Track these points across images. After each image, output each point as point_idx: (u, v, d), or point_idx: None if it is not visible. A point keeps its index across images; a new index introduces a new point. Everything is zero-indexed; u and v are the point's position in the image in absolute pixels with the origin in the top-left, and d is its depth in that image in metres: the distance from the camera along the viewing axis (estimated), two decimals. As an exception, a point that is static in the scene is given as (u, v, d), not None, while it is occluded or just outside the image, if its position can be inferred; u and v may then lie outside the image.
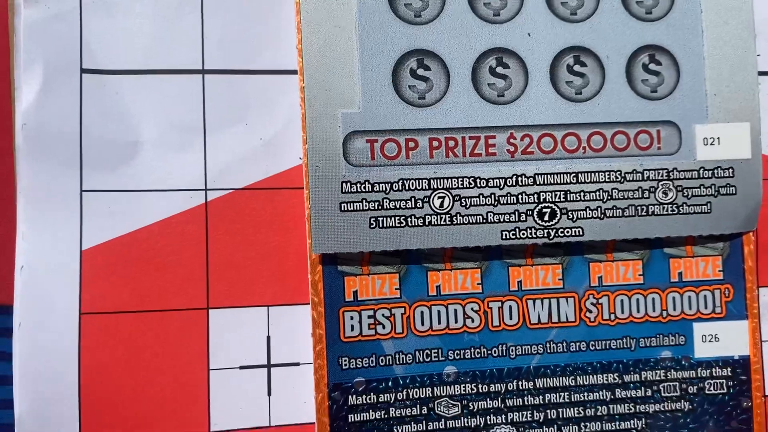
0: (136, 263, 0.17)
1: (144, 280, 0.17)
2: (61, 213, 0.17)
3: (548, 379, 0.19)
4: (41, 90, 0.17)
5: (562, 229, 0.18)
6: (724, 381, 0.19)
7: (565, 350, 0.19)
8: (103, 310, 0.17)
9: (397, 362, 0.18)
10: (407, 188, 0.18)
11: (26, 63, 0.17)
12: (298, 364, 0.18)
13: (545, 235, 0.18)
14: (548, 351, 0.19)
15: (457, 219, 0.18)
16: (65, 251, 0.17)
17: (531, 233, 0.18)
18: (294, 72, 0.18)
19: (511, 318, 0.19)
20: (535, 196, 0.18)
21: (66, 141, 0.17)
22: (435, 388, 0.18)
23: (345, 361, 0.18)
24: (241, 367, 0.18)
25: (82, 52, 0.17)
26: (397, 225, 0.18)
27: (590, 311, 0.19)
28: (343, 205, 0.18)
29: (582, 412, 0.19)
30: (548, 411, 0.18)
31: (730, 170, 0.19)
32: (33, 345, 0.17)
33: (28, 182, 0.17)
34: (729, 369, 0.19)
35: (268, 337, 0.18)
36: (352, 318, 0.18)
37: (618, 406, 0.19)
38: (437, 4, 0.18)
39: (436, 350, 0.18)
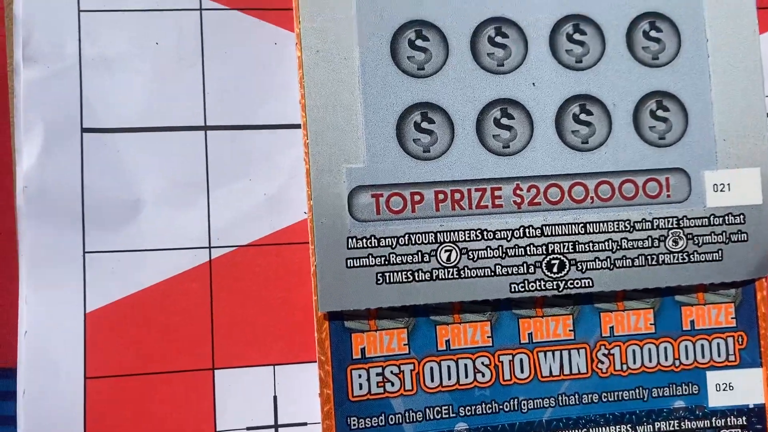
0: (141, 325, 0.17)
1: (149, 342, 0.17)
2: (65, 275, 0.17)
3: (560, 433, 0.18)
4: (42, 151, 0.17)
5: (571, 281, 0.18)
6: (739, 430, 0.19)
7: (578, 402, 0.18)
8: (109, 374, 0.17)
9: (407, 420, 0.18)
10: (414, 242, 0.18)
11: (26, 124, 0.17)
12: (305, 424, 0.17)
13: (554, 287, 0.18)
14: (560, 404, 0.18)
15: (464, 272, 0.18)
16: (69, 314, 0.17)
17: (540, 285, 0.18)
18: (297, 126, 0.18)
19: (522, 371, 0.18)
20: (543, 247, 0.18)
21: (68, 202, 0.17)
22: (446, 446, 0.18)
23: (354, 420, 0.17)
24: (248, 429, 0.17)
25: (83, 110, 0.17)
26: (404, 280, 0.18)
27: (602, 362, 0.18)
28: (349, 261, 0.17)
29: (596, 465, 0.18)
30: (561, 465, 0.18)
31: (741, 216, 0.19)
32: (38, 411, 0.16)
33: (30, 244, 0.17)
34: (744, 418, 0.19)
35: (275, 397, 0.17)
36: (360, 376, 0.17)
37: (632, 458, 0.18)
38: (440, 57, 0.18)
39: (446, 407, 0.18)
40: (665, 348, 0.19)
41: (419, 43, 0.18)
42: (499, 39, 0.18)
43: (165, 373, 0.17)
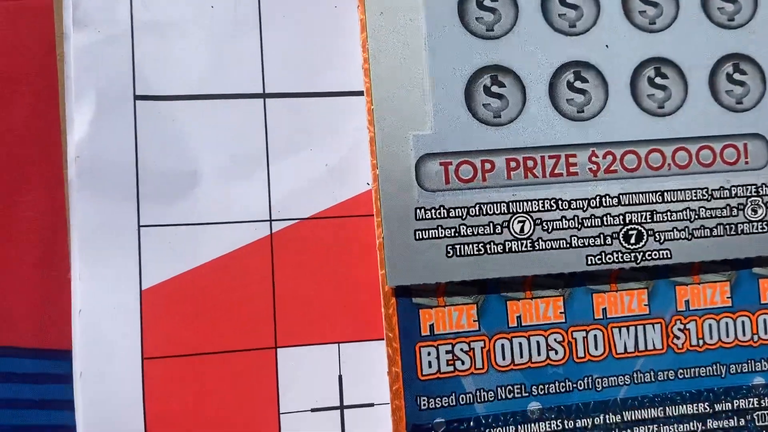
0: (199, 302, 0.16)
1: (208, 320, 0.16)
2: (119, 250, 0.16)
3: (636, 411, 0.17)
4: (94, 119, 0.16)
5: (649, 252, 0.17)
6: (820, 407, 0.18)
7: (653, 380, 0.17)
8: (167, 354, 0.16)
9: (478, 400, 0.17)
10: (485, 213, 0.17)
11: (78, 92, 0.16)
12: (372, 405, 0.17)
13: (632, 258, 0.17)
14: (635, 381, 0.17)
15: (539, 244, 0.17)
16: (125, 292, 0.16)
17: (617, 257, 0.17)
18: (360, 93, 0.17)
19: (596, 348, 0.17)
20: (621, 217, 0.17)
21: (121, 173, 0.16)
22: (519, 427, 0.17)
23: (423, 401, 0.16)
24: (313, 410, 0.16)
25: (135, 77, 0.16)
26: (475, 253, 0.17)
27: (678, 338, 0.18)
28: (417, 233, 0.16)
29: (673, 446, 0.17)
30: (638, 446, 0.17)
31: (822, 183, 0.18)
32: (96, 394, 0.15)
33: (82, 218, 0.16)
34: (827, 395, 0.18)
35: (340, 377, 0.17)
36: (429, 354, 0.17)
37: (711, 438, 0.17)
38: (510, 17, 0.17)
39: (518, 386, 0.17)
40: (743, 322, 0.18)
41: (488, 2, 0.17)
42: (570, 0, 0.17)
43: (225, 352, 0.16)
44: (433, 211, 0.17)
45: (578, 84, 0.17)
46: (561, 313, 0.17)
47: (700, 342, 0.18)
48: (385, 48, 0.17)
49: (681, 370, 0.18)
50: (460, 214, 0.17)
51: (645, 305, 0.18)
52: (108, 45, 0.16)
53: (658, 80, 0.17)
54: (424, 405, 0.17)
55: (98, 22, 0.16)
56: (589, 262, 0.17)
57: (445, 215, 0.17)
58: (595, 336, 0.17)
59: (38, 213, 0.16)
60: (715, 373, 0.18)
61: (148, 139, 0.16)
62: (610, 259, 0.17)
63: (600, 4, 0.17)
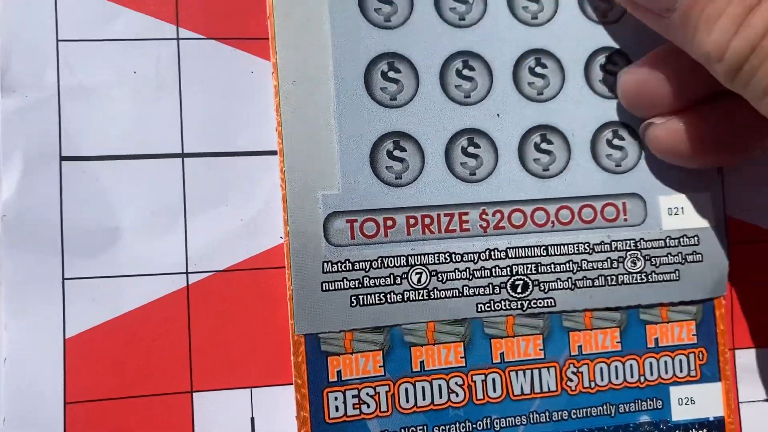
0: (120, 349, 0.22)
1: (128, 366, 0.22)
2: (44, 302, 0.22)
3: (532, 450, 0.24)
4: (21, 179, 0.23)
5: (534, 300, 0.24)
6: (702, 444, 0.25)
7: (548, 420, 0.25)
8: (89, 398, 0.22)
9: (382, 440, 0.23)
10: (386, 266, 0.24)
11: (5, 153, 0.23)
12: (283, 445, 0.23)
13: (519, 306, 0.24)
14: (532, 422, 0.24)
15: (434, 294, 0.24)
16: (49, 340, 0.22)
17: (505, 305, 0.24)
18: (274, 152, 0.24)
19: (494, 390, 0.24)
20: (508, 269, 0.24)
21: (47, 229, 0.23)
22: (420, 464, 0.23)
23: (330, 440, 0.23)
24: (226, 451, 0.22)
25: (62, 139, 0.23)
26: (377, 302, 0.24)
27: (571, 380, 0.25)
28: (324, 284, 0.23)
29: (566, 481, 0.24)
30: (533, 482, 0.24)
31: (696, 238, 0.26)
32: None
33: (9, 272, 0.22)
34: (705, 430, 0.25)
35: (252, 419, 0.23)
36: (336, 398, 0.23)
37: (601, 474, 0.24)
38: (411, 88, 0.24)
39: (421, 427, 0.24)
40: (631, 365, 0.25)
41: (391, 74, 0.24)
42: (466, 72, 0.25)
43: (144, 396, 0.22)
44: (339, 264, 0.23)
45: (471, 149, 0.25)
46: (461, 357, 0.24)
47: (592, 384, 0.25)
48: (296, 113, 0.24)
49: (574, 411, 0.25)
50: (364, 267, 0.24)
51: (540, 350, 0.25)
52: (35, 108, 0.23)
53: (544, 145, 0.25)
54: (331, 445, 0.23)
55: (26, 87, 0.23)
56: (479, 310, 0.24)
57: (350, 268, 0.24)
58: (494, 379, 0.24)
59: None
60: (606, 413, 0.25)
61: (72, 197, 0.23)
62: (498, 306, 0.24)
63: (493, 76, 0.25)
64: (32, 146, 0.24)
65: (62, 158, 0.24)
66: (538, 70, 0.26)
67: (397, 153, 0.25)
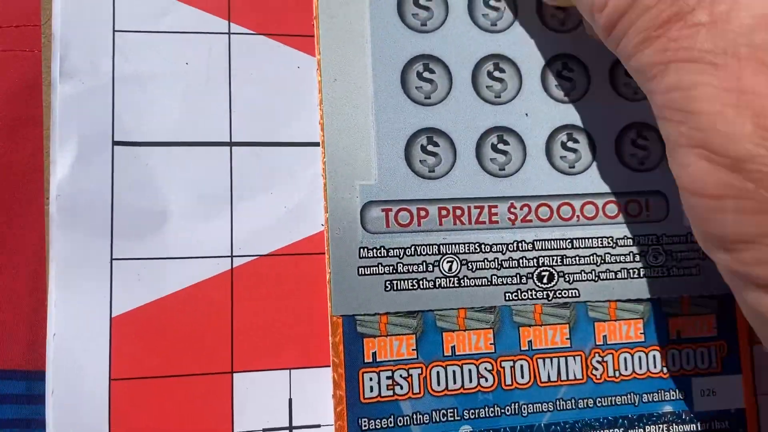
0: (164, 329, 0.23)
1: (172, 346, 0.23)
2: (92, 281, 0.23)
3: (559, 437, 0.24)
4: (75, 162, 0.23)
5: (559, 291, 0.25)
6: (723, 434, 0.25)
7: (574, 407, 0.25)
8: (132, 376, 0.22)
9: (415, 422, 0.24)
10: (419, 253, 0.24)
11: (61, 137, 0.23)
12: (319, 426, 0.23)
13: (545, 296, 0.25)
14: (558, 408, 0.25)
15: (464, 281, 0.24)
16: (96, 318, 0.23)
17: (532, 294, 0.25)
18: (317, 144, 0.25)
19: (522, 377, 0.25)
20: (535, 260, 0.25)
21: (97, 211, 0.23)
22: (451, 447, 0.23)
23: (365, 422, 0.23)
24: (264, 430, 0.23)
25: (114, 125, 0.24)
26: (410, 287, 0.24)
27: (596, 369, 0.25)
28: (360, 269, 0.24)
29: (592, 469, 0.24)
30: (560, 469, 0.24)
31: (713, 235, 0.26)
32: (65, 411, 0.22)
33: (60, 250, 0.23)
34: (727, 422, 0.25)
35: (290, 400, 0.23)
36: (371, 379, 0.24)
37: (625, 461, 0.25)
38: (445, 87, 0.25)
39: (452, 410, 0.24)
40: (654, 356, 0.26)
41: (426, 75, 0.25)
42: (497, 74, 0.26)
43: (186, 375, 0.23)
44: (374, 250, 0.24)
45: (501, 146, 0.26)
46: (491, 344, 0.25)
47: (617, 373, 0.25)
48: (337, 109, 0.25)
49: (599, 399, 0.25)
50: (398, 254, 0.24)
51: (567, 339, 0.25)
52: (91, 95, 0.24)
53: (570, 144, 0.26)
54: (365, 426, 0.23)
55: (83, 74, 0.24)
56: (507, 298, 0.25)
57: (385, 254, 0.24)
58: (522, 366, 0.25)
59: (32, 245, 0.22)
60: (630, 402, 0.25)
61: (123, 180, 0.23)
62: (525, 295, 0.25)
63: (522, 78, 0.26)
64: (86, 130, 0.25)
65: (115, 143, 0.25)
66: (565, 73, 0.27)
67: (430, 148, 0.26)
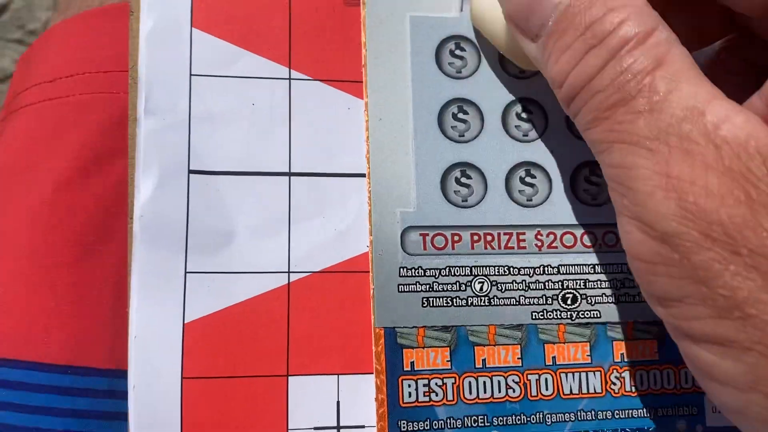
0: (230, 334, 0.26)
1: (236, 350, 0.26)
2: (168, 291, 0.26)
3: (580, 446, 0.26)
4: (156, 188, 0.27)
5: (582, 312, 0.27)
6: (735, 450, 0.27)
7: (594, 418, 0.27)
8: (202, 375, 0.25)
9: (449, 426, 0.26)
10: (453, 274, 0.27)
11: (144, 166, 0.27)
12: (363, 426, 0.26)
13: (568, 316, 0.27)
14: (579, 419, 0.27)
15: (494, 301, 0.27)
16: (170, 324, 0.26)
17: (556, 314, 0.27)
18: (363, 175, 0.28)
19: (547, 389, 0.27)
20: (560, 283, 0.27)
21: (174, 230, 0.27)
22: (481, 450, 0.26)
23: (404, 424, 0.26)
24: (315, 428, 0.25)
25: (190, 156, 0.27)
26: (444, 305, 0.27)
27: (614, 384, 0.27)
28: (400, 287, 0.27)
29: (611, 476, 0.26)
30: (581, 475, 0.26)
31: (723, 263, 0.28)
32: (144, 405, 0.25)
33: (141, 264, 0.26)
34: (737, 437, 0.27)
35: (338, 402, 0.26)
36: (409, 386, 0.26)
37: (642, 471, 0.27)
38: (477, 127, 0.28)
39: (482, 416, 0.26)
40: (668, 373, 0.28)
41: (461, 116, 0.29)
42: (524, 115, 0.29)
43: (247, 377, 0.25)
44: (413, 270, 0.27)
45: (528, 179, 0.28)
46: (518, 358, 0.27)
47: (633, 388, 0.27)
48: (382, 144, 0.28)
49: (617, 411, 0.27)
50: (434, 274, 0.27)
51: (587, 355, 0.28)
52: (170, 130, 0.28)
53: (593, 178, 0.28)
54: (404, 428, 0.26)
55: (164, 112, 0.28)
56: (534, 317, 0.28)
57: (422, 274, 0.27)
58: (546, 379, 0.27)
59: (117, 259, 0.26)
60: (646, 415, 0.27)
61: (197, 204, 0.27)
62: (550, 315, 0.27)
63: (548, 118, 0.28)
64: (166, 160, 0.28)
65: (190, 171, 0.29)
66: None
67: (464, 180, 0.30)
